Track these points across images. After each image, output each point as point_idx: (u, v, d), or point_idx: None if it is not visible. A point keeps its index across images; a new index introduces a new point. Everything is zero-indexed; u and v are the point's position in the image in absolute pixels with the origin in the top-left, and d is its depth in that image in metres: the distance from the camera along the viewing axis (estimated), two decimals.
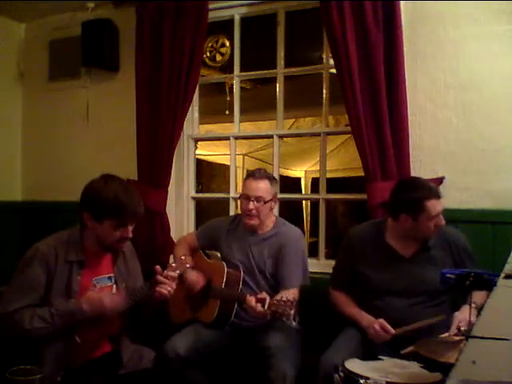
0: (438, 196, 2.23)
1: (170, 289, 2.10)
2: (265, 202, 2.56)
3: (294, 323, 2.14)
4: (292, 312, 2.11)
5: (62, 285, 2.02)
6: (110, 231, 2.04)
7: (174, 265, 2.19)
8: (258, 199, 2.54)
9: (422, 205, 2.21)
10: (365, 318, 2.30)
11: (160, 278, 2.10)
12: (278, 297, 2.26)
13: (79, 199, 2.08)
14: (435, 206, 2.21)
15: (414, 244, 2.36)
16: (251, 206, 2.54)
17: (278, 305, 2.17)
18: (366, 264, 2.40)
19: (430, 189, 2.24)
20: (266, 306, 2.19)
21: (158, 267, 2.15)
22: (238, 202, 3.62)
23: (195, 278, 2.61)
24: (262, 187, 2.56)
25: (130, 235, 2.11)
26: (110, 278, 2.17)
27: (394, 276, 2.33)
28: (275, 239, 2.62)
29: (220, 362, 2.52)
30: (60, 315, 1.94)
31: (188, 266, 2.28)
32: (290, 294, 2.39)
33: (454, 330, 2.03)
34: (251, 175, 2.61)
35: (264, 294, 2.27)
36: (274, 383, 2.22)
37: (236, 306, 2.49)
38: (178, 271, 2.17)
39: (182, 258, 2.29)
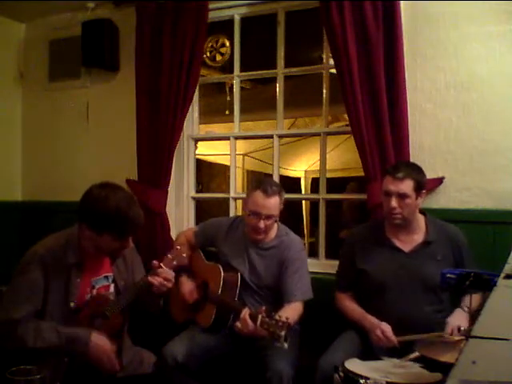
0: (393, 175, 2.30)
1: (169, 278, 2.10)
2: (275, 220, 2.54)
3: (285, 345, 2.01)
4: (283, 333, 1.99)
5: (61, 288, 2.01)
6: (109, 243, 2.02)
7: (170, 256, 2.18)
8: (268, 218, 2.47)
9: (382, 180, 2.39)
10: (368, 321, 2.29)
11: (158, 271, 2.10)
12: (274, 316, 2.15)
13: (78, 206, 2.04)
14: (386, 182, 2.33)
15: (413, 239, 2.37)
16: (262, 224, 2.46)
17: (270, 324, 2.06)
18: (366, 260, 2.41)
19: (393, 168, 2.36)
20: (259, 323, 2.09)
21: (155, 262, 2.14)
22: (240, 202, 3.62)
23: (188, 290, 2.60)
24: (273, 205, 2.46)
25: (131, 245, 2.09)
26: (107, 277, 2.16)
27: (394, 270, 2.34)
28: (276, 251, 2.56)
29: (219, 367, 2.50)
30: (64, 336, 1.93)
31: (184, 255, 2.26)
32: (292, 310, 2.36)
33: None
34: (262, 190, 2.46)
35: (260, 310, 2.15)
36: (269, 381, 2.20)
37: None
38: (175, 262, 2.17)
39: (178, 247, 2.26)
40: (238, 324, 2.16)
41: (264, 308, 2.15)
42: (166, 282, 2.11)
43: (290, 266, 2.51)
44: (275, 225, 2.64)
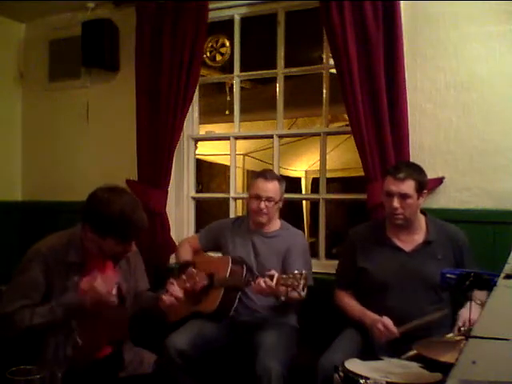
0: (394, 176, 2.30)
1: (180, 298, 2.13)
2: (275, 203, 2.63)
3: (303, 293, 2.16)
4: (302, 282, 2.14)
5: (60, 287, 2.00)
6: (112, 247, 2.02)
7: (184, 277, 2.21)
8: (269, 199, 2.61)
9: (383, 180, 2.40)
10: (368, 317, 2.30)
11: (170, 289, 2.12)
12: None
13: (82, 208, 2.03)
14: (388, 183, 2.33)
15: (414, 239, 2.38)
16: (262, 205, 2.60)
17: (287, 278, 2.20)
18: (367, 259, 2.42)
19: (394, 168, 2.36)
20: (275, 282, 2.22)
21: (171, 280, 2.18)
22: (240, 202, 3.63)
23: (197, 278, 2.61)
24: (273, 188, 2.63)
25: (134, 249, 2.10)
26: None
27: (395, 269, 2.34)
28: (280, 240, 2.66)
29: (217, 359, 2.52)
30: (59, 306, 1.93)
31: (198, 279, 2.30)
32: None
33: (458, 328, 2.03)
34: (262, 176, 2.66)
35: (272, 271, 2.30)
36: (259, 379, 2.23)
37: (238, 296, 2.52)
38: (187, 284, 2.19)
39: (194, 270, 2.30)
40: (261, 282, 2.26)
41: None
42: (175, 302, 2.13)
43: (295, 252, 2.61)
44: (278, 220, 2.74)
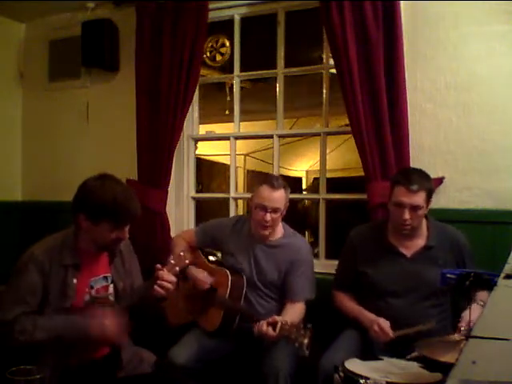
0: (407, 187, 2.22)
1: (169, 286, 2.08)
2: (281, 213, 2.52)
3: (306, 352, 2.06)
4: (306, 341, 2.05)
5: (57, 289, 1.99)
6: (105, 233, 2.00)
7: (172, 261, 2.17)
8: (275, 210, 2.46)
9: (391, 187, 2.31)
10: (366, 318, 2.30)
11: (160, 274, 2.07)
12: (289, 320, 2.21)
13: (73, 200, 2.04)
14: (399, 194, 2.25)
15: (415, 243, 2.36)
16: (268, 217, 2.45)
17: (291, 330, 2.11)
18: (367, 263, 2.40)
19: (404, 177, 2.27)
20: (278, 330, 2.14)
21: (158, 265, 2.13)
22: (240, 202, 3.62)
23: (203, 276, 2.58)
24: (280, 198, 2.48)
25: (127, 236, 2.08)
26: (106, 278, 2.14)
27: (395, 275, 2.33)
28: (285, 251, 2.56)
29: (222, 366, 2.50)
30: (64, 327, 1.93)
31: (187, 261, 2.26)
32: (295, 312, 2.40)
33: (464, 330, 2.02)
34: (268, 184, 2.48)
35: (275, 318, 2.20)
36: (267, 379, 2.21)
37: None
38: (177, 268, 2.16)
39: (181, 254, 2.25)
40: (263, 329, 2.18)
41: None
42: (165, 283, 2.08)
43: (299, 267, 2.52)
44: (281, 224, 2.63)
